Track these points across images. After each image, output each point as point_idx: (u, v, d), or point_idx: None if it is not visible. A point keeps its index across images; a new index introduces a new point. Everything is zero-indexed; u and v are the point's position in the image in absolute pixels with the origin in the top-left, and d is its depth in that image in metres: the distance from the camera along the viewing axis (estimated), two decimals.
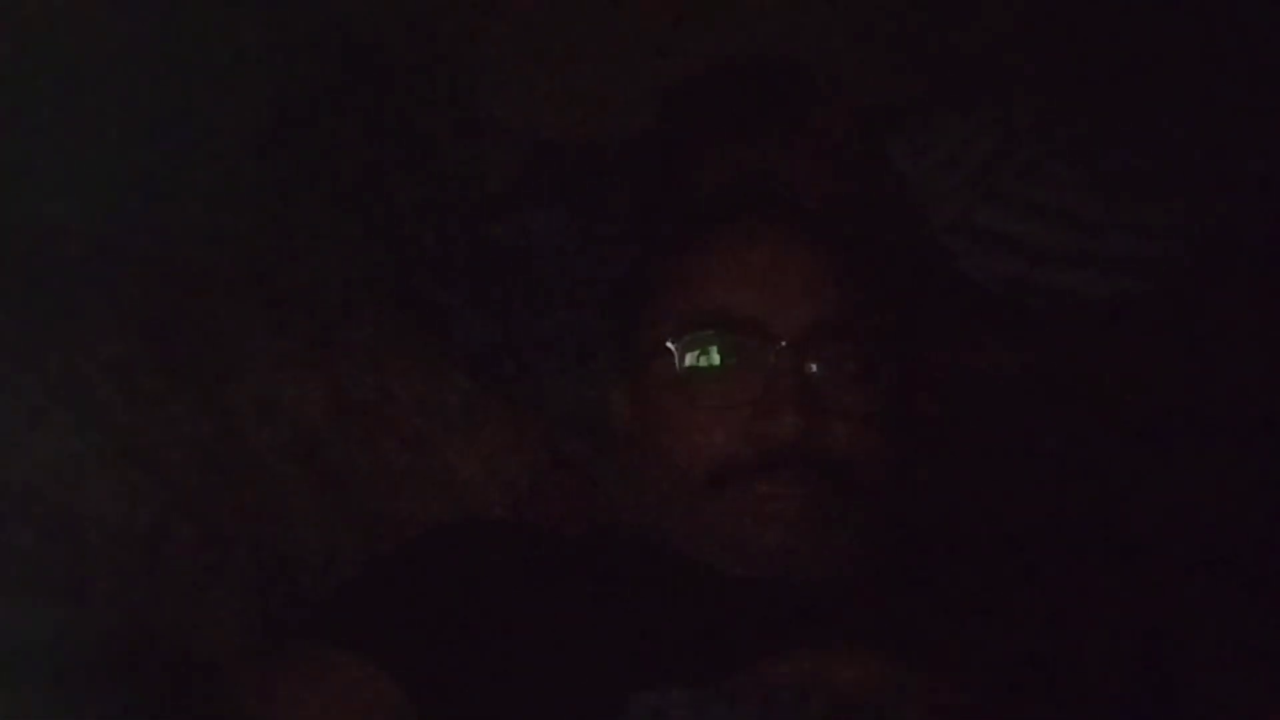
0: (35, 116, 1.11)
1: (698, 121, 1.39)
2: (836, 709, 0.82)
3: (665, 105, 1.45)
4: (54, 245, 1.06)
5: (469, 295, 1.36)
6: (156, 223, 1.16)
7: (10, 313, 1.00)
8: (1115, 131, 1.27)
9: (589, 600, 0.94)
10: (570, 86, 1.59)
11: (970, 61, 1.45)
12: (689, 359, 0.96)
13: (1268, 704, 0.86)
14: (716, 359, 0.96)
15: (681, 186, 1.31)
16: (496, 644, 0.92)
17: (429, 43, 1.55)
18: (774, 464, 0.93)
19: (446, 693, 0.90)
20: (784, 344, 0.94)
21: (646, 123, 1.43)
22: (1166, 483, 1.07)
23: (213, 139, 1.27)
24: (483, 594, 0.94)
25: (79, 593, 0.90)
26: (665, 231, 1.08)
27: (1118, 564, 0.99)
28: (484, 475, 1.14)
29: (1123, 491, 1.07)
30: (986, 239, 1.25)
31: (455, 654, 0.91)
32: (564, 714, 0.88)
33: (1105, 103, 1.30)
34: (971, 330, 1.20)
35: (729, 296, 0.97)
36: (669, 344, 0.97)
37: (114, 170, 1.16)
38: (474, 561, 0.98)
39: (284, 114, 1.34)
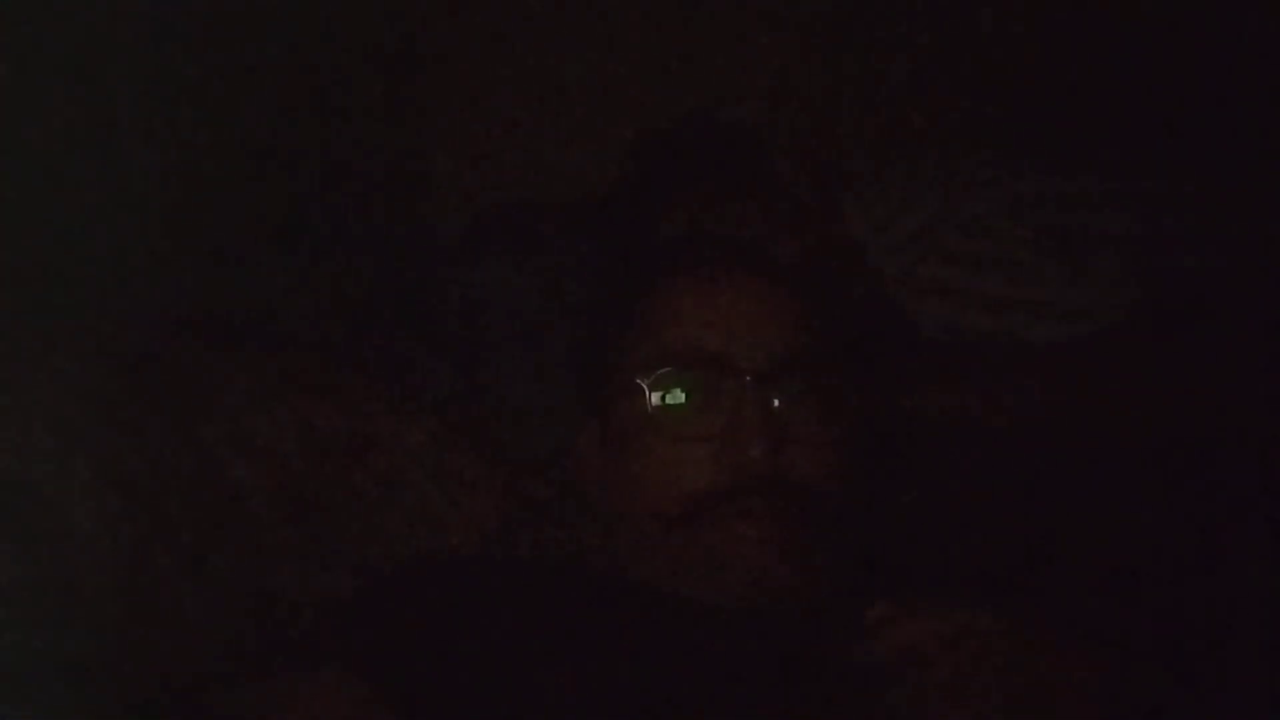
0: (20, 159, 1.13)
1: (655, 178, 1.44)
2: None
3: (622, 162, 1.49)
4: (29, 278, 1.08)
5: (430, 343, 1.39)
6: (133, 262, 1.18)
7: None
8: (1055, 188, 1.33)
9: (563, 637, 0.95)
10: (524, 146, 1.64)
11: (917, 123, 1.52)
12: (656, 397, 1.00)
13: None
14: (682, 395, 0.99)
15: (639, 239, 1.35)
16: (472, 682, 0.93)
17: (387, 97, 1.59)
18: (743, 494, 0.96)
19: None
20: (748, 378, 0.99)
21: (601, 180, 1.48)
22: (1103, 515, 1.12)
23: (182, 184, 1.30)
24: (457, 630, 0.96)
25: (62, 614, 0.91)
26: (627, 277, 1.12)
27: (1079, 593, 1.04)
28: (454, 513, 1.16)
29: (1071, 522, 1.12)
30: (932, 290, 1.31)
31: (434, 685, 0.93)
32: None
33: (1045, 160, 1.37)
34: (921, 374, 1.25)
35: (693, 335, 1.01)
36: (639, 381, 1.00)
37: (94, 211, 1.18)
38: (446, 597, 1.00)
39: (250, 159, 1.37)
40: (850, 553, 1.01)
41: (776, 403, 0.98)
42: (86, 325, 1.08)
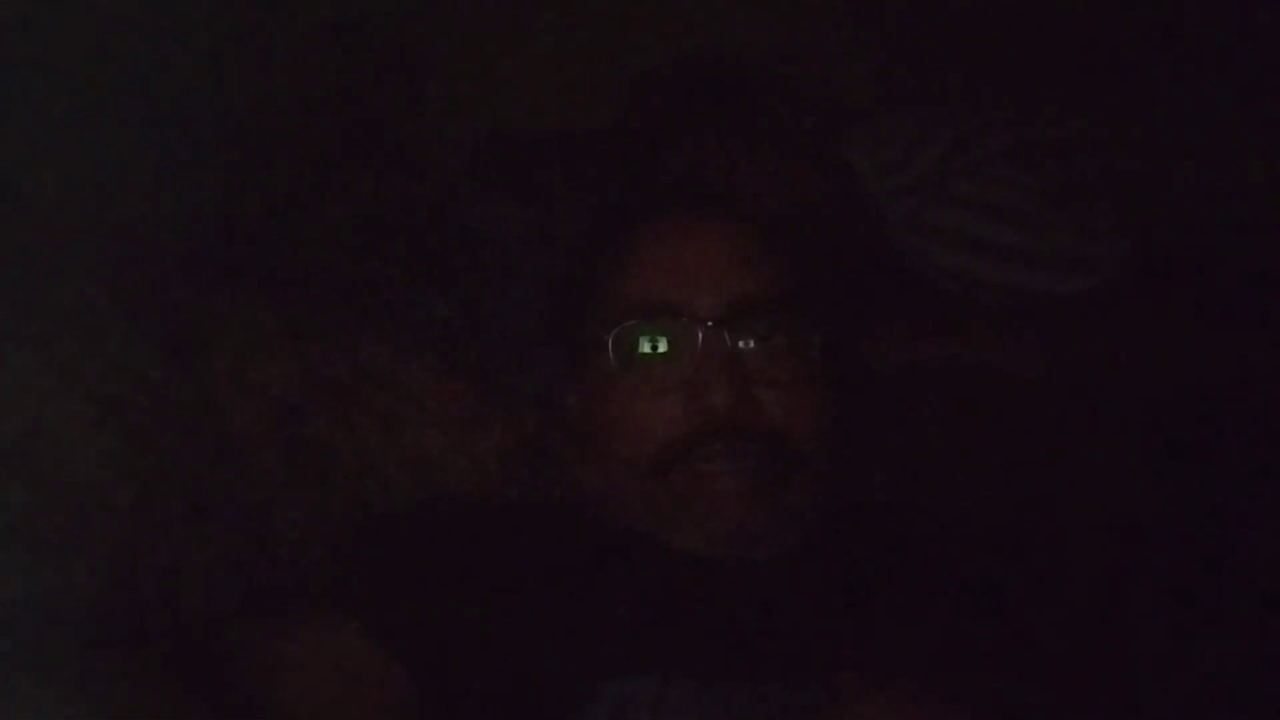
0: (23, 105, 1.12)
1: (654, 116, 1.43)
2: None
3: (622, 99, 1.48)
4: (35, 218, 1.07)
5: (431, 279, 1.38)
6: (135, 204, 1.17)
7: None
8: (1061, 136, 1.32)
9: (556, 582, 0.97)
10: (524, 77, 1.62)
11: (922, 64, 1.50)
12: (623, 348, 1.00)
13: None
14: (649, 345, 1.00)
15: (635, 180, 1.34)
16: (467, 624, 0.94)
17: (385, 28, 1.57)
18: (711, 440, 0.97)
19: (433, 664, 0.92)
20: (710, 324, 0.99)
21: (602, 116, 1.46)
22: (1096, 470, 1.13)
23: (182, 127, 1.28)
24: (456, 572, 0.97)
25: (68, 556, 0.92)
26: (600, 226, 1.12)
27: (1053, 544, 1.05)
28: (453, 454, 1.16)
29: (1057, 478, 1.12)
30: (937, 236, 1.30)
31: (434, 625, 0.94)
32: (538, 697, 0.91)
33: (1052, 107, 1.36)
34: (920, 321, 1.25)
35: (654, 286, 1.01)
36: (602, 335, 1.01)
37: (96, 154, 1.17)
38: (445, 539, 1.00)
39: (249, 99, 1.35)
40: (825, 497, 1.01)
41: (741, 345, 0.98)
42: (87, 266, 1.07)
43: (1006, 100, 1.37)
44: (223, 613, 0.99)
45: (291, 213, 1.29)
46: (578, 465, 1.08)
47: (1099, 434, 1.15)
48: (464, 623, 0.94)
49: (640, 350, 1.00)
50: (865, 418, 1.12)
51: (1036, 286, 1.26)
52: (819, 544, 1.01)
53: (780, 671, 0.90)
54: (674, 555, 0.99)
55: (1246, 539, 1.05)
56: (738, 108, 1.43)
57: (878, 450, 1.16)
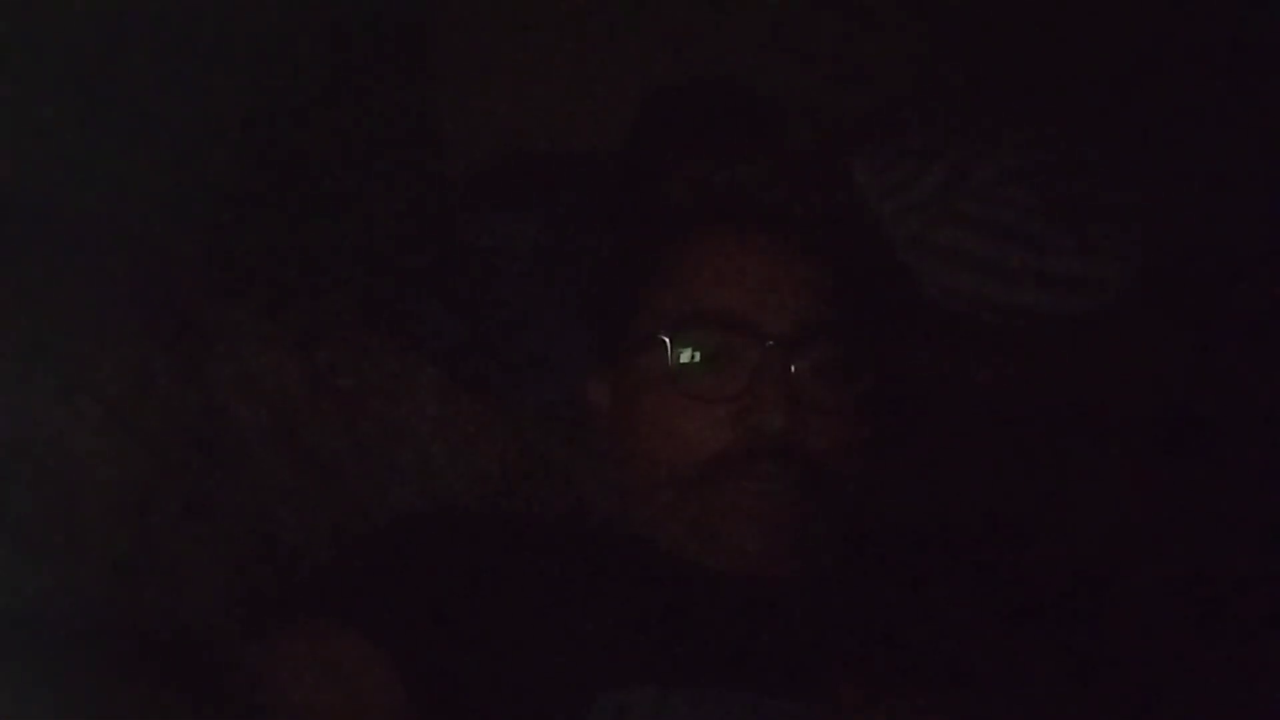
0: (22, 106, 1.12)
1: (668, 136, 1.43)
2: None
3: (636, 119, 1.49)
4: (36, 220, 1.07)
5: (438, 293, 1.38)
6: (140, 207, 1.18)
7: None
8: (1065, 157, 1.33)
9: (562, 592, 0.96)
10: (536, 98, 1.63)
11: (929, 87, 1.51)
12: (678, 353, 0.99)
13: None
14: (705, 354, 0.99)
15: (654, 193, 1.34)
16: (470, 632, 0.94)
17: (403, 44, 1.58)
18: (756, 459, 0.96)
19: (431, 674, 0.92)
20: (771, 343, 0.98)
21: (615, 137, 1.47)
22: (1112, 486, 1.13)
23: (190, 131, 1.29)
24: (457, 582, 0.97)
25: (67, 559, 0.92)
26: (650, 230, 1.11)
27: (1085, 565, 1.05)
28: (457, 465, 1.16)
29: (1081, 495, 1.12)
30: (944, 256, 1.30)
31: (433, 633, 0.94)
32: (535, 708, 0.90)
33: (1056, 130, 1.36)
34: (931, 342, 1.25)
35: (719, 295, 1.00)
36: (662, 337, 1.00)
37: (99, 157, 1.17)
38: (447, 550, 1.00)
39: (261, 106, 1.36)
40: (852, 526, 1.01)
41: (794, 369, 0.98)
42: (93, 267, 1.07)
43: (1011, 121, 1.37)
44: (222, 618, 0.98)
45: (298, 218, 1.29)
46: (597, 468, 1.08)
47: (1120, 456, 1.15)
48: (463, 632, 0.93)
49: (692, 359, 0.99)
50: (902, 444, 1.12)
51: (1042, 307, 1.26)
52: (837, 562, 1.00)
53: (781, 684, 0.90)
54: (685, 567, 0.98)
55: (1253, 552, 1.05)
56: (749, 129, 1.43)
57: (909, 476, 1.15)
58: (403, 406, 1.16)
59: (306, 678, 0.90)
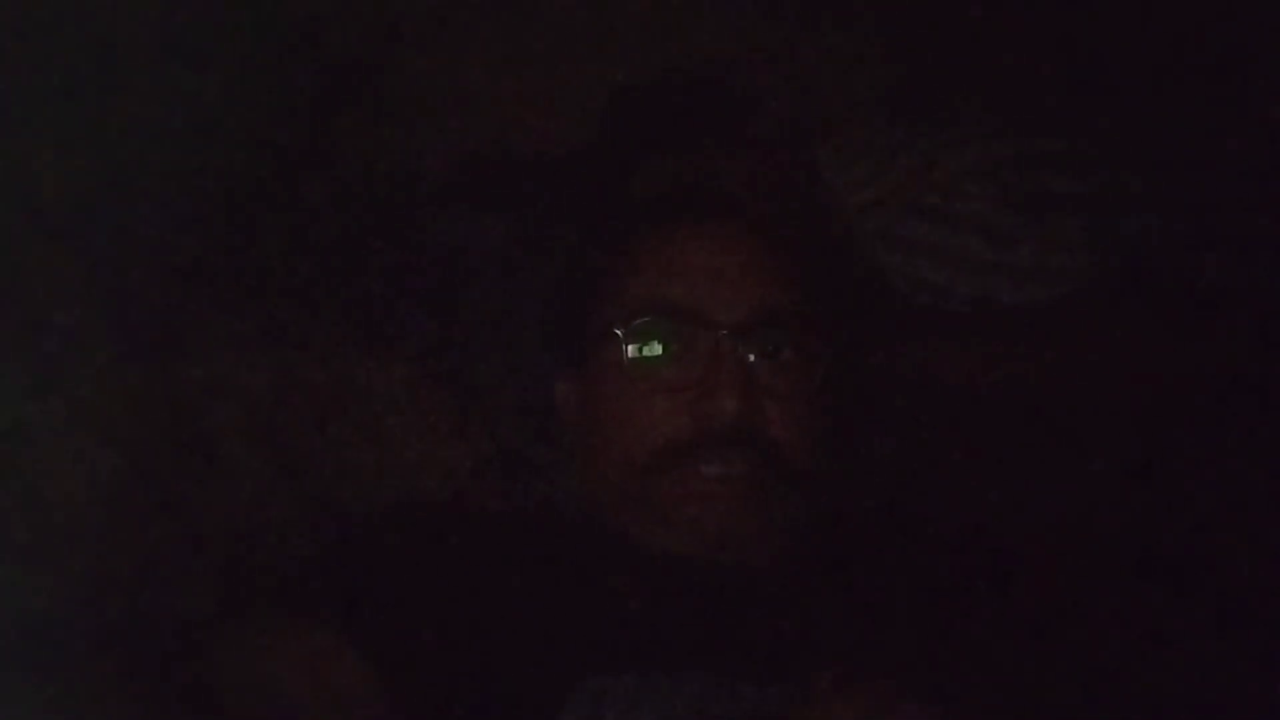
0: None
1: (634, 132, 1.44)
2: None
3: (601, 115, 1.49)
4: (13, 224, 1.08)
5: (407, 291, 1.39)
6: (115, 210, 1.18)
7: None
8: (1028, 151, 1.34)
9: (537, 583, 0.97)
10: (503, 98, 1.63)
11: (894, 80, 1.52)
12: (633, 346, 1.01)
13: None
14: (659, 346, 1.01)
15: (616, 191, 1.35)
16: (446, 626, 0.95)
17: (366, 45, 1.58)
18: (715, 445, 0.98)
19: (410, 666, 0.93)
20: (724, 332, 1.00)
21: (579, 133, 1.48)
22: (1074, 473, 1.14)
23: (163, 134, 1.29)
24: (434, 576, 0.98)
25: (45, 560, 0.92)
26: (606, 227, 1.13)
27: (1048, 551, 1.06)
28: (429, 461, 1.17)
29: (1039, 485, 1.14)
30: (908, 248, 1.32)
31: (410, 624, 0.95)
32: (511, 698, 0.92)
33: (1020, 123, 1.38)
34: (893, 334, 1.26)
35: (672, 287, 1.02)
36: (616, 330, 1.01)
37: (75, 160, 1.17)
38: (420, 545, 1.01)
39: (229, 107, 1.36)
40: (815, 508, 1.02)
41: (752, 357, 1.00)
42: (66, 268, 1.07)
43: (976, 116, 1.39)
44: (200, 618, 0.99)
45: (266, 218, 1.30)
46: (566, 462, 1.09)
47: (1085, 445, 1.16)
48: (441, 624, 0.95)
49: (648, 350, 1.01)
50: (860, 432, 1.13)
51: (1005, 296, 1.27)
52: (801, 549, 1.02)
53: (755, 670, 0.91)
54: (657, 555, 1.00)
55: (1220, 543, 1.06)
56: (716, 123, 1.44)
57: (870, 463, 1.17)
58: (374, 405, 1.17)
59: (282, 672, 0.91)
